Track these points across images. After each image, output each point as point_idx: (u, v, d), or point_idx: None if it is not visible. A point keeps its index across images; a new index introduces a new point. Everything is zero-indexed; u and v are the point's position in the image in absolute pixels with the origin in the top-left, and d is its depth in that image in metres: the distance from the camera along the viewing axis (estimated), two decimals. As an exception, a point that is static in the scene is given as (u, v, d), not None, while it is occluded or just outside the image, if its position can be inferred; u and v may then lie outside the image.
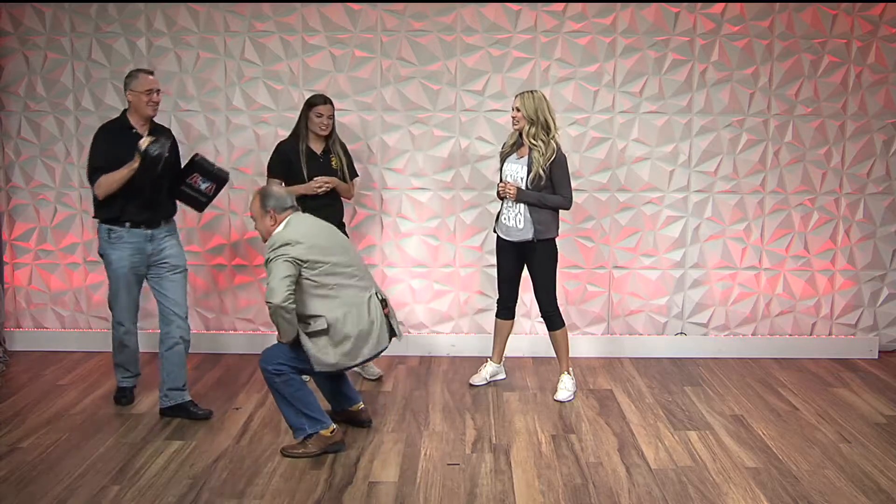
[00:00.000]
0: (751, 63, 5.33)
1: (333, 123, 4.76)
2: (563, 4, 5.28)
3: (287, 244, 3.75)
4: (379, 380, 5.01)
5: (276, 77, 5.38)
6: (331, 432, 3.88)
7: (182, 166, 4.44)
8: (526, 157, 4.53)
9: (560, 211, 4.63)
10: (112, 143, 4.26)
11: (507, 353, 5.03)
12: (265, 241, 3.93)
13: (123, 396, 4.59)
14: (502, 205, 4.65)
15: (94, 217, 4.41)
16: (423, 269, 5.48)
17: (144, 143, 4.12)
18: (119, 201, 4.23)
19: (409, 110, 5.37)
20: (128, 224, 4.29)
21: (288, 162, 4.69)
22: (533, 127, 4.46)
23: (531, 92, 4.49)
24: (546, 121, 4.46)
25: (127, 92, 4.27)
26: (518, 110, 4.48)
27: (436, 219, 5.46)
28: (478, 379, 4.94)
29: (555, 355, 4.83)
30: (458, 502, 3.47)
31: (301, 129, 4.73)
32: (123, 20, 5.36)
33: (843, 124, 5.41)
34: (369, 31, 5.33)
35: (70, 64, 5.42)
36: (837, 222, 5.49)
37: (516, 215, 4.55)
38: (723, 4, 5.28)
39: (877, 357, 5.50)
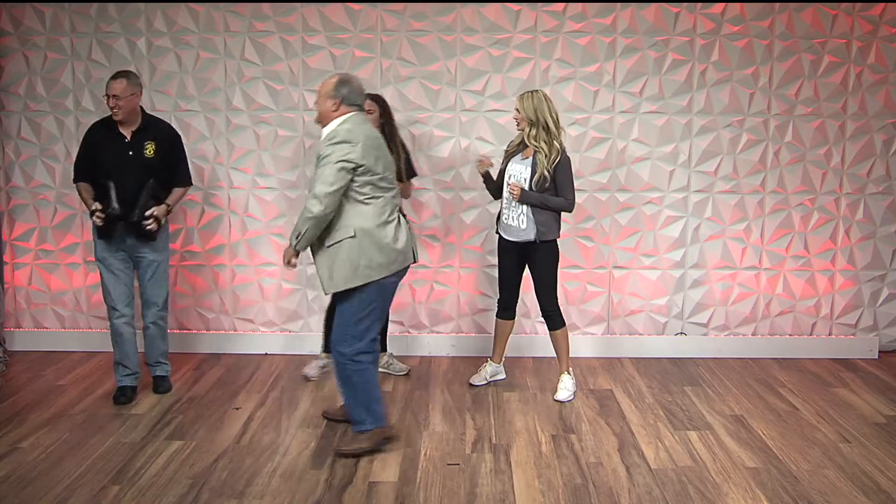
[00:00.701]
0: (751, 63, 5.33)
1: (386, 120, 4.68)
2: (563, 4, 5.28)
3: (347, 142, 3.65)
4: (407, 374, 5.07)
5: (276, 77, 5.38)
6: (388, 429, 3.92)
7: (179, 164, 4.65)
8: (530, 159, 4.52)
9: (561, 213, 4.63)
10: (92, 142, 4.53)
11: (507, 353, 5.03)
12: (318, 122, 3.85)
13: (123, 395, 4.62)
14: (503, 205, 4.64)
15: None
16: (423, 270, 5.48)
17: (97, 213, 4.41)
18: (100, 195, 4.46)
19: (409, 110, 5.37)
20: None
21: None
22: (533, 128, 4.45)
23: (532, 92, 4.49)
24: (546, 121, 4.45)
25: None
26: (518, 111, 4.48)
27: (436, 219, 5.46)
28: (478, 379, 4.94)
29: (555, 355, 4.83)
30: (458, 502, 3.47)
31: None
32: (123, 20, 5.36)
33: (843, 124, 5.41)
34: (369, 31, 5.33)
35: (70, 64, 5.42)
36: (837, 222, 5.49)
37: (519, 216, 4.54)
38: (723, 4, 5.28)
39: (877, 357, 5.50)
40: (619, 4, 5.28)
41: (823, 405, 4.62)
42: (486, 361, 4.99)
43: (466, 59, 5.33)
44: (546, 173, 4.44)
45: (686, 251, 5.49)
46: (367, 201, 3.71)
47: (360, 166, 3.65)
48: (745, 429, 4.26)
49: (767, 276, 5.53)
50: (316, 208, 3.63)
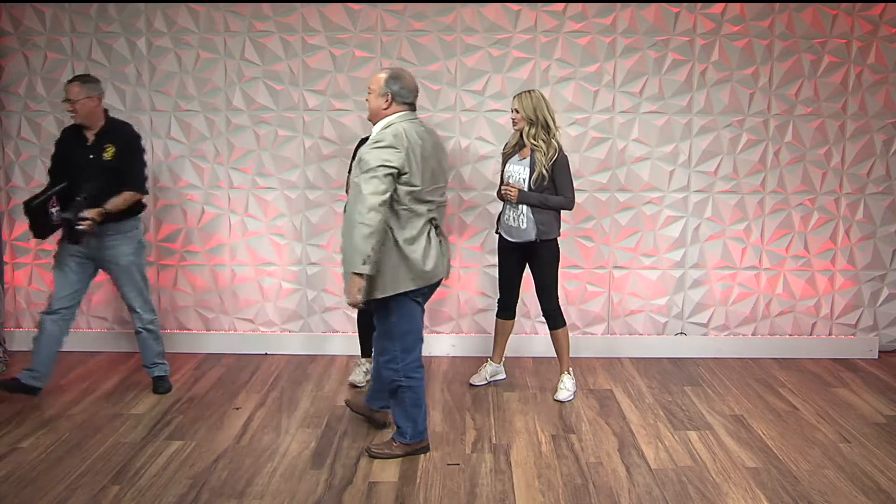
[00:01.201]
0: (751, 63, 5.33)
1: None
2: (563, 4, 5.28)
3: (393, 147, 3.51)
4: (352, 385, 4.96)
5: (276, 77, 5.38)
6: (424, 442, 3.92)
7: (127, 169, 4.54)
8: (528, 159, 4.53)
9: (562, 211, 4.63)
10: (61, 146, 4.58)
11: (507, 353, 5.03)
12: (370, 119, 3.75)
13: (12, 385, 4.56)
14: (504, 205, 4.64)
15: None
16: (423, 269, 5.48)
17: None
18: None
19: (409, 110, 5.37)
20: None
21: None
22: (532, 127, 4.46)
23: (529, 92, 4.49)
24: (545, 120, 4.45)
25: None
26: (517, 111, 4.48)
27: (436, 219, 5.46)
28: (478, 379, 4.94)
29: (555, 355, 4.83)
30: (458, 502, 3.47)
31: None
32: (123, 20, 5.36)
33: (843, 124, 5.41)
34: (369, 31, 5.33)
35: (70, 64, 5.42)
36: (837, 222, 5.49)
37: (519, 216, 4.54)
38: (723, 4, 5.28)
39: (877, 357, 5.50)
40: (619, 4, 5.28)
41: (823, 405, 4.62)
42: (487, 361, 4.99)
43: (466, 59, 5.33)
44: (544, 171, 4.44)
45: (686, 251, 5.49)
46: (402, 212, 3.59)
47: (403, 174, 3.54)
48: (745, 429, 4.26)
49: (767, 276, 5.53)
50: (373, 220, 3.45)
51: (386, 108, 3.66)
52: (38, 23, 5.39)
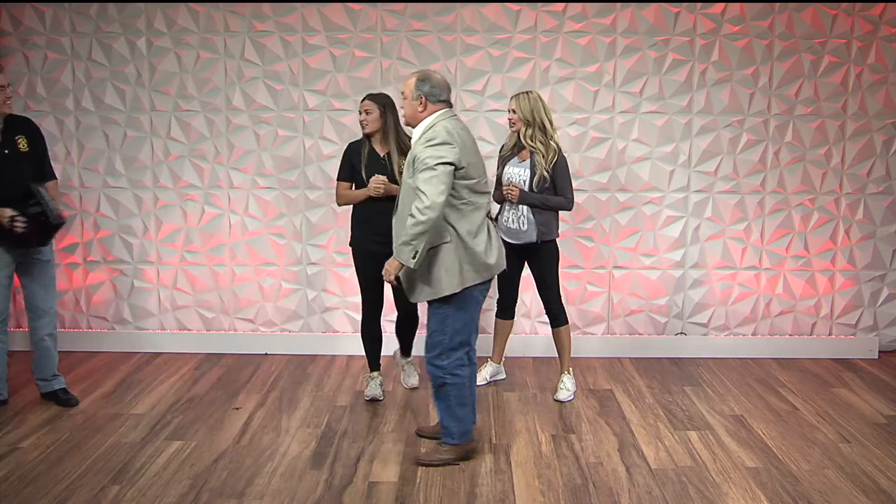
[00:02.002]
0: (751, 63, 5.33)
1: (386, 122, 4.38)
2: (563, 4, 5.28)
3: (447, 143, 3.51)
4: (414, 390, 4.86)
5: (276, 77, 5.38)
6: (474, 443, 3.88)
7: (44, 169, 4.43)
8: (528, 161, 4.52)
9: (561, 212, 4.63)
10: None
11: (507, 353, 5.03)
12: (408, 124, 3.73)
13: None
14: (503, 207, 4.64)
15: None
16: (423, 269, 5.48)
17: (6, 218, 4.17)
18: None
19: (409, 110, 5.37)
20: None
21: (351, 164, 4.47)
22: (529, 128, 4.45)
23: (526, 93, 4.48)
24: (542, 122, 4.44)
25: None
26: (514, 112, 4.47)
27: (436, 219, 5.46)
28: (478, 379, 4.94)
29: (555, 355, 4.83)
30: (458, 502, 3.47)
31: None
32: (123, 20, 5.36)
33: (843, 124, 5.41)
34: (369, 31, 5.33)
35: (70, 64, 5.42)
36: (837, 222, 5.49)
37: (519, 217, 4.54)
38: (723, 4, 5.28)
39: (877, 357, 5.50)
40: (619, 4, 5.28)
41: (823, 405, 4.62)
42: (487, 361, 4.99)
43: (466, 59, 5.33)
44: (545, 174, 4.44)
45: (686, 251, 5.49)
46: (461, 206, 3.58)
47: (460, 168, 3.53)
48: (745, 429, 4.26)
49: (767, 276, 5.53)
50: (428, 215, 3.43)
51: (422, 111, 3.64)
52: (38, 23, 5.39)
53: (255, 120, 5.42)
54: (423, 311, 4.56)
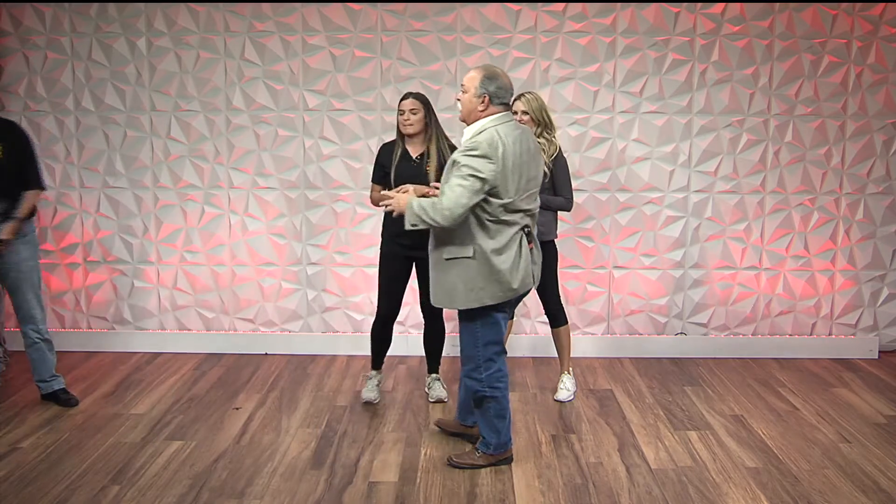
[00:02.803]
0: (751, 63, 5.33)
1: (429, 122, 4.30)
2: (563, 4, 5.28)
3: (487, 157, 3.38)
4: (438, 402, 4.66)
5: (276, 77, 5.38)
6: (508, 453, 3.85)
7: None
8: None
9: (560, 213, 4.63)
10: None
11: (507, 353, 5.01)
12: (463, 120, 3.59)
13: None
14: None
15: None
16: (423, 269, 5.48)
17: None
18: None
19: (409, 110, 5.37)
20: None
21: (382, 165, 4.37)
22: (539, 127, 4.45)
23: (531, 93, 4.48)
24: (548, 119, 4.45)
25: None
26: (525, 113, 4.45)
27: (436, 219, 5.46)
28: (478, 379, 4.93)
29: (555, 355, 4.83)
30: (458, 502, 3.47)
31: (398, 130, 4.35)
32: (123, 20, 5.36)
33: (843, 124, 5.41)
34: (369, 31, 5.33)
35: (70, 64, 5.42)
36: (837, 222, 5.49)
37: (519, 217, 4.53)
38: (723, 4, 5.28)
39: (877, 357, 5.50)
40: (619, 4, 5.28)
41: (823, 405, 4.62)
42: (486, 361, 4.99)
43: (466, 59, 5.33)
44: (546, 169, 4.44)
45: (686, 251, 5.49)
46: (489, 222, 3.47)
47: (494, 187, 3.42)
48: (745, 429, 4.26)
49: (767, 276, 5.53)
50: (439, 221, 3.40)
51: (482, 110, 3.51)
52: (38, 23, 5.39)
53: (255, 120, 5.42)
54: (447, 318, 4.55)
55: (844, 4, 5.28)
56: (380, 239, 4.51)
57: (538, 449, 4.00)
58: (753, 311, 5.55)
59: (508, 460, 3.84)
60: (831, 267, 5.53)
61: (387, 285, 4.45)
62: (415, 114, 4.25)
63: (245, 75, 5.38)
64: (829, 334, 5.59)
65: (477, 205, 3.44)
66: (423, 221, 3.46)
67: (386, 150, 4.41)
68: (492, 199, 3.45)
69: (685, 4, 5.28)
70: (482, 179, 3.39)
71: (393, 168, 4.30)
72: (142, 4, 5.34)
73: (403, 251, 4.36)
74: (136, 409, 4.51)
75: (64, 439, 4.08)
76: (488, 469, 3.77)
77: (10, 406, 4.54)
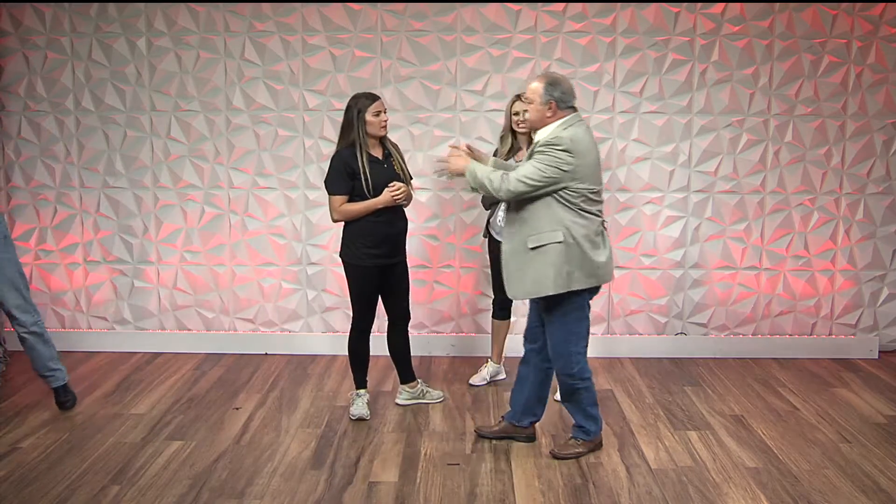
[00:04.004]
0: (751, 63, 5.33)
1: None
2: (563, 4, 5.28)
3: (570, 152, 3.54)
4: (441, 402, 4.65)
5: (276, 77, 5.38)
6: (600, 436, 3.98)
7: None
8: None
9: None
10: None
11: (507, 353, 5.03)
12: (532, 128, 3.77)
13: None
14: (497, 207, 4.63)
15: None
16: (422, 270, 5.48)
17: None
18: None
19: (409, 110, 5.37)
20: None
21: (348, 174, 4.13)
22: None
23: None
24: None
25: None
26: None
27: (435, 219, 5.46)
28: (478, 379, 4.94)
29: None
30: (458, 502, 3.47)
31: (357, 134, 4.13)
32: (123, 20, 5.36)
33: (843, 124, 5.41)
34: (369, 31, 5.33)
35: (70, 64, 5.42)
36: (837, 222, 5.49)
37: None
38: (723, 4, 5.28)
39: (877, 357, 5.50)
40: (619, 4, 5.28)
41: (823, 405, 4.62)
42: (486, 361, 5.00)
43: (466, 59, 5.33)
44: None
45: (686, 251, 5.49)
46: (579, 211, 3.62)
47: (574, 179, 3.57)
48: (745, 429, 4.26)
49: (767, 276, 5.52)
50: (506, 194, 3.60)
51: (550, 116, 3.66)
52: (38, 23, 5.39)
53: (255, 120, 5.42)
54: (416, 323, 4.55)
55: (844, 4, 5.28)
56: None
57: (538, 449, 4.00)
58: (753, 311, 5.55)
59: (600, 445, 3.96)
60: (831, 267, 5.53)
61: (367, 299, 4.30)
62: (386, 113, 4.21)
63: (245, 75, 5.38)
64: (829, 334, 5.59)
65: (562, 193, 3.58)
66: (484, 188, 3.67)
67: (349, 157, 4.13)
68: (580, 187, 3.60)
69: (685, 4, 5.28)
70: (559, 170, 3.55)
71: (366, 172, 4.12)
72: (142, 4, 5.34)
73: (387, 260, 4.25)
74: (136, 409, 4.51)
75: (64, 439, 4.08)
76: (488, 469, 3.77)
77: (10, 406, 4.54)
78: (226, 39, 5.37)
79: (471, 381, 4.94)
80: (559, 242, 3.60)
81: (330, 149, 5.42)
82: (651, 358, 5.44)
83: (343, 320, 5.56)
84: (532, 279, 3.65)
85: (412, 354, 4.77)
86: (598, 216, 3.71)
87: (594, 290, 3.78)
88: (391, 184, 4.16)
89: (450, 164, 3.81)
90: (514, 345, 5.30)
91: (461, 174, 3.79)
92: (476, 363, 5.16)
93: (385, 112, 4.20)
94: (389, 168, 4.24)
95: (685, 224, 5.47)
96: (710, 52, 5.32)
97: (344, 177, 4.14)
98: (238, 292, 5.58)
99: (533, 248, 3.63)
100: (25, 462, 3.82)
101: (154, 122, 5.45)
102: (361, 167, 4.12)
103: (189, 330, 5.62)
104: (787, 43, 5.32)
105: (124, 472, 3.71)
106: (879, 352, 5.54)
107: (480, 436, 4.13)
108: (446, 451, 3.97)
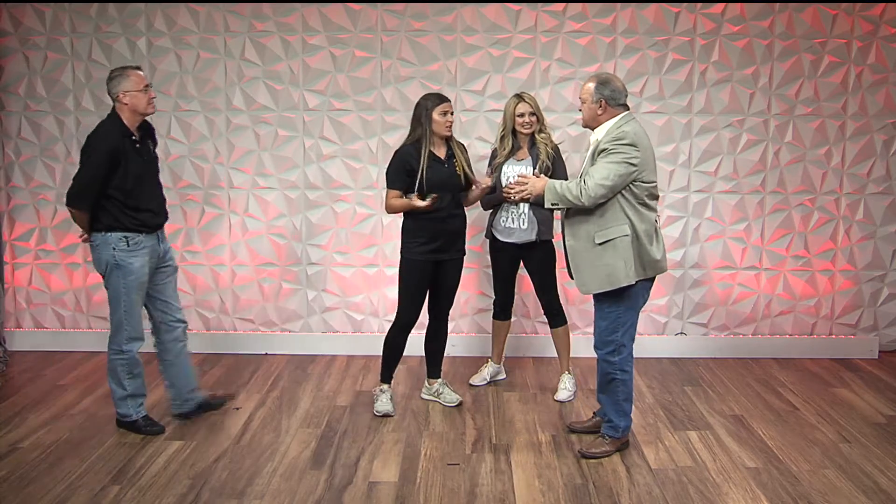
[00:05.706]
0: (751, 63, 5.33)
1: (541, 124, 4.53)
2: (563, 4, 5.28)
3: (634, 145, 3.64)
4: (459, 405, 4.59)
5: (276, 77, 5.38)
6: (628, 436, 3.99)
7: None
8: (527, 159, 4.55)
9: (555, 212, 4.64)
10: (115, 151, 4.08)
11: (507, 352, 5.03)
12: (586, 125, 3.85)
13: (153, 424, 4.20)
14: (499, 207, 4.63)
15: (96, 231, 4.11)
16: (423, 269, 5.48)
17: None
18: (130, 209, 4.04)
19: (409, 110, 5.33)
20: (145, 230, 4.06)
21: (406, 171, 4.23)
22: (539, 123, 4.56)
23: (526, 93, 4.57)
24: (544, 117, 4.61)
25: (120, 94, 4.07)
26: (532, 114, 4.49)
27: (436, 219, 5.46)
28: (478, 379, 4.94)
29: (555, 355, 4.83)
30: (458, 502, 3.47)
31: (424, 131, 4.22)
32: (123, 20, 5.36)
33: (843, 124, 5.41)
34: (369, 31, 5.33)
35: (70, 64, 5.42)
36: (837, 222, 5.49)
37: (520, 215, 4.55)
38: (723, 4, 5.28)
39: (877, 357, 5.50)
40: (619, 4, 5.28)
41: (823, 405, 4.62)
42: (487, 361, 5.00)
43: (466, 59, 5.33)
44: (548, 163, 4.47)
45: (686, 251, 5.49)
46: (639, 206, 3.72)
47: (641, 172, 3.67)
48: (745, 429, 4.26)
49: (767, 276, 5.52)
50: (588, 201, 3.64)
51: (602, 114, 3.75)
52: (38, 23, 5.39)
53: (255, 120, 5.42)
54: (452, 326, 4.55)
55: (844, 4, 5.28)
56: (392, 242, 4.43)
57: (538, 449, 4.00)
58: (753, 311, 5.55)
59: (627, 445, 3.96)
60: (831, 267, 5.53)
61: (415, 293, 4.37)
62: (453, 115, 4.31)
63: (245, 75, 5.38)
64: (830, 334, 5.59)
65: (627, 188, 3.67)
66: (567, 201, 3.71)
67: (408, 155, 4.24)
68: (641, 183, 3.69)
69: (685, 4, 5.28)
70: (630, 164, 3.63)
71: (424, 169, 4.21)
72: (142, 4, 5.34)
73: (438, 256, 4.33)
74: (136, 409, 4.50)
75: (64, 439, 4.08)
76: (488, 469, 3.77)
77: (10, 406, 4.54)
78: (226, 39, 5.37)
79: (471, 382, 4.94)
80: (626, 236, 3.70)
81: (330, 149, 5.42)
82: (651, 358, 5.44)
83: (343, 320, 5.56)
84: (606, 273, 3.72)
85: (413, 354, 4.80)
86: (655, 212, 3.81)
87: (650, 283, 3.87)
88: (429, 195, 4.19)
89: (533, 188, 3.82)
90: (515, 345, 5.31)
91: (541, 194, 3.81)
92: (476, 363, 5.16)
93: (452, 114, 4.29)
94: (450, 168, 4.31)
95: (685, 224, 5.47)
96: (710, 52, 5.32)
97: (401, 173, 4.27)
98: (238, 292, 5.58)
99: (601, 243, 3.72)
100: (25, 462, 3.82)
101: (154, 122, 5.44)
102: (421, 165, 4.22)
103: (189, 330, 5.60)
104: (787, 43, 5.32)
105: (124, 472, 3.71)
106: (879, 352, 5.54)
107: (572, 431, 4.19)
108: (446, 451, 3.97)
